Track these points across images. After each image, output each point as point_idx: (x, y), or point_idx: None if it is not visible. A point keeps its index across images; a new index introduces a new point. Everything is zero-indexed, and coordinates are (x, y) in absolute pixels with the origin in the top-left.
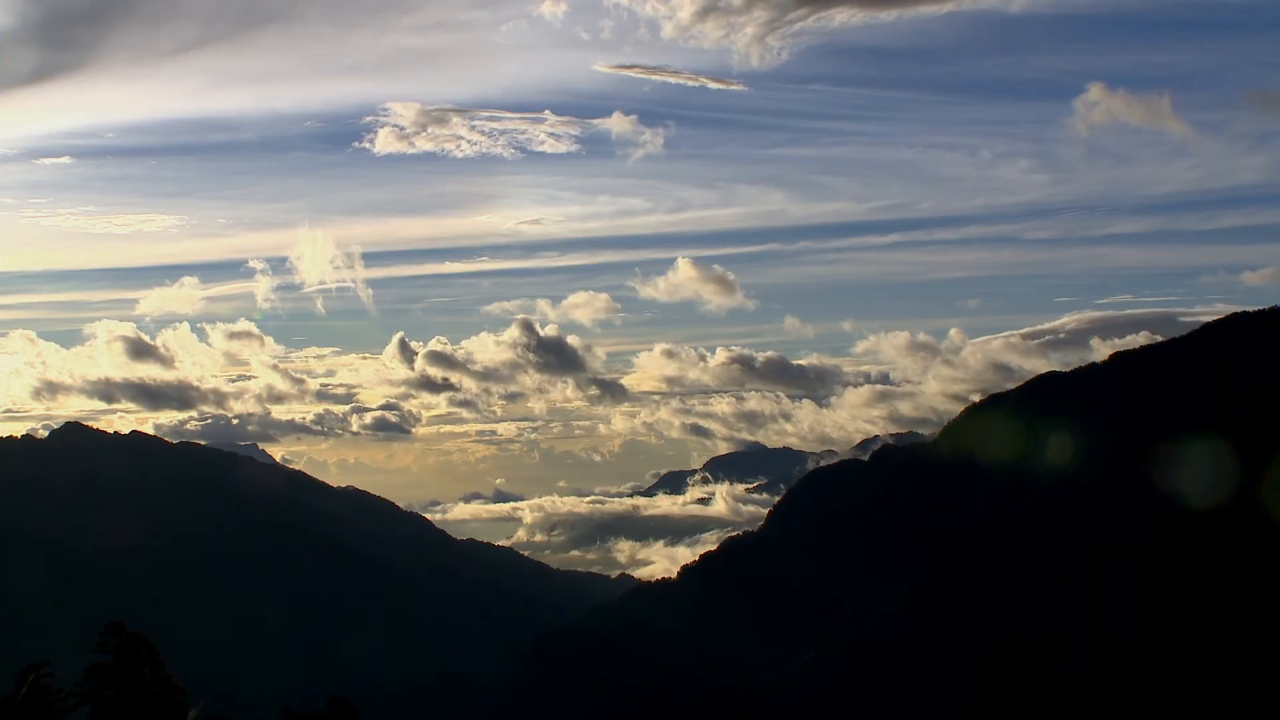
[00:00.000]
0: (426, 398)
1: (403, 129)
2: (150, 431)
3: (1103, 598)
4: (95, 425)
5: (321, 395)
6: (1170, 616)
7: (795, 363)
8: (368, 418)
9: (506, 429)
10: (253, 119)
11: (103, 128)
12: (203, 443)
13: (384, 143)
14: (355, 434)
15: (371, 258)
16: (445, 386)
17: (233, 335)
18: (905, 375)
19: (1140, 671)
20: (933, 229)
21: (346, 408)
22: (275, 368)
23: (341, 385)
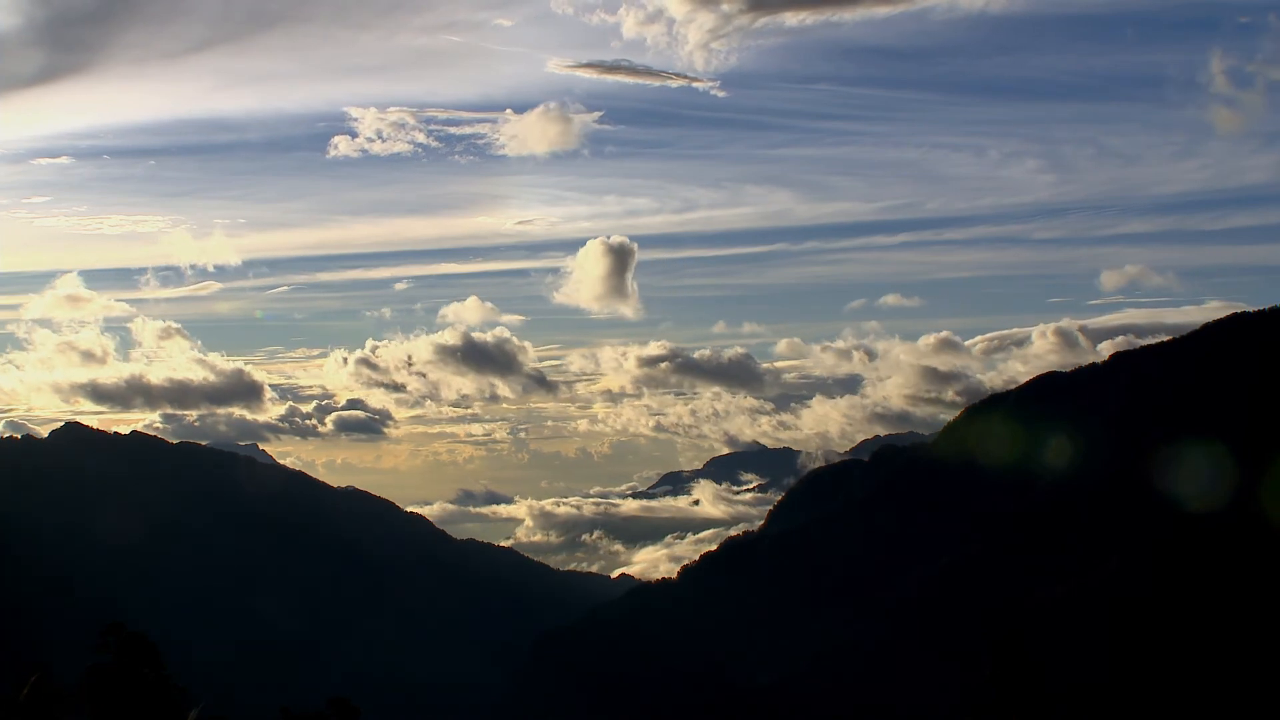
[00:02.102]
0: (392, 398)
1: (396, 131)
2: (149, 431)
3: (1101, 599)
4: (95, 425)
5: (289, 395)
6: (1169, 619)
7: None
8: (335, 417)
9: (488, 430)
10: (258, 120)
11: (107, 129)
12: (204, 443)
13: (382, 144)
14: (330, 434)
15: (375, 258)
16: (397, 388)
17: (167, 335)
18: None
19: (1139, 673)
20: (941, 229)
21: (309, 406)
22: (239, 369)
23: (316, 386)
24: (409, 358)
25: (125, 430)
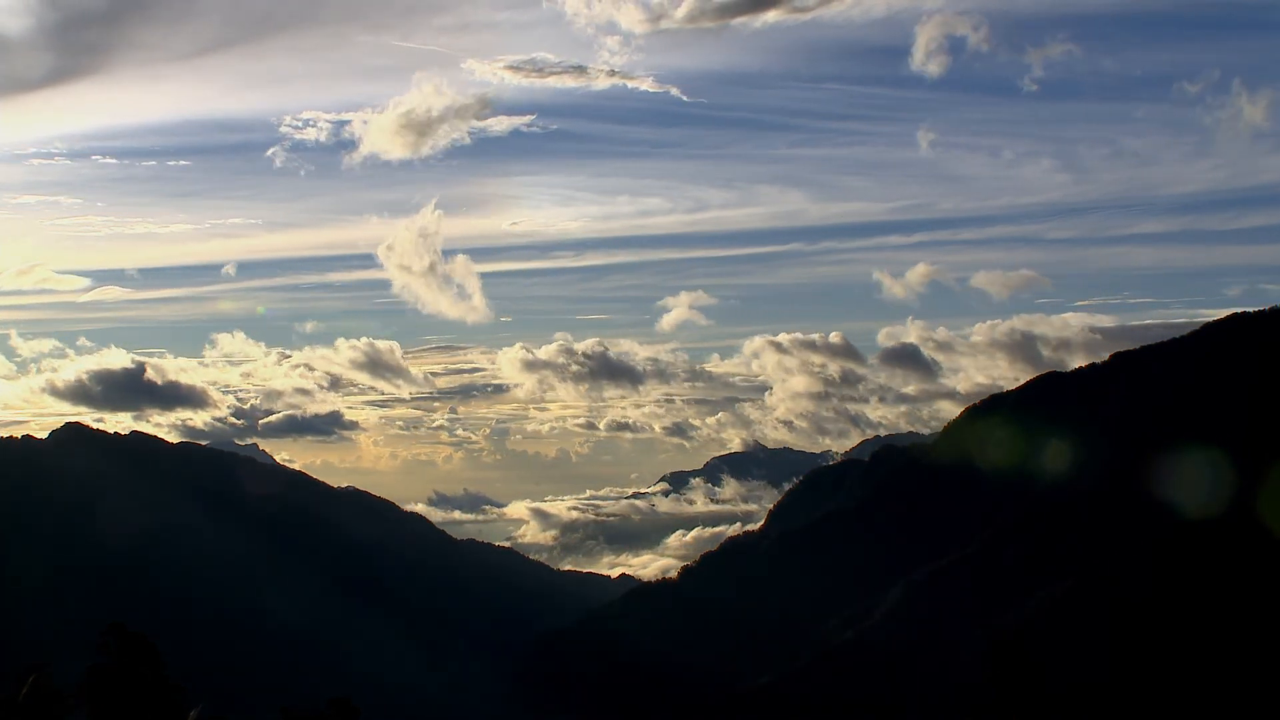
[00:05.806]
0: (364, 400)
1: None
2: (150, 431)
3: (1101, 600)
4: (96, 425)
5: (268, 396)
6: (1169, 620)
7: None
8: (307, 418)
9: (464, 431)
10: (266, 121)
11: (116, 130)
12: (204, 443)
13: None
14: (304, 435)
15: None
16: (371, 389)
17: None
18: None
19: (1139, 673)
20: (956, 229)
21: (250, 404)
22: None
23: (293, 386)
24: (390, 358)
25: (125, 430)
